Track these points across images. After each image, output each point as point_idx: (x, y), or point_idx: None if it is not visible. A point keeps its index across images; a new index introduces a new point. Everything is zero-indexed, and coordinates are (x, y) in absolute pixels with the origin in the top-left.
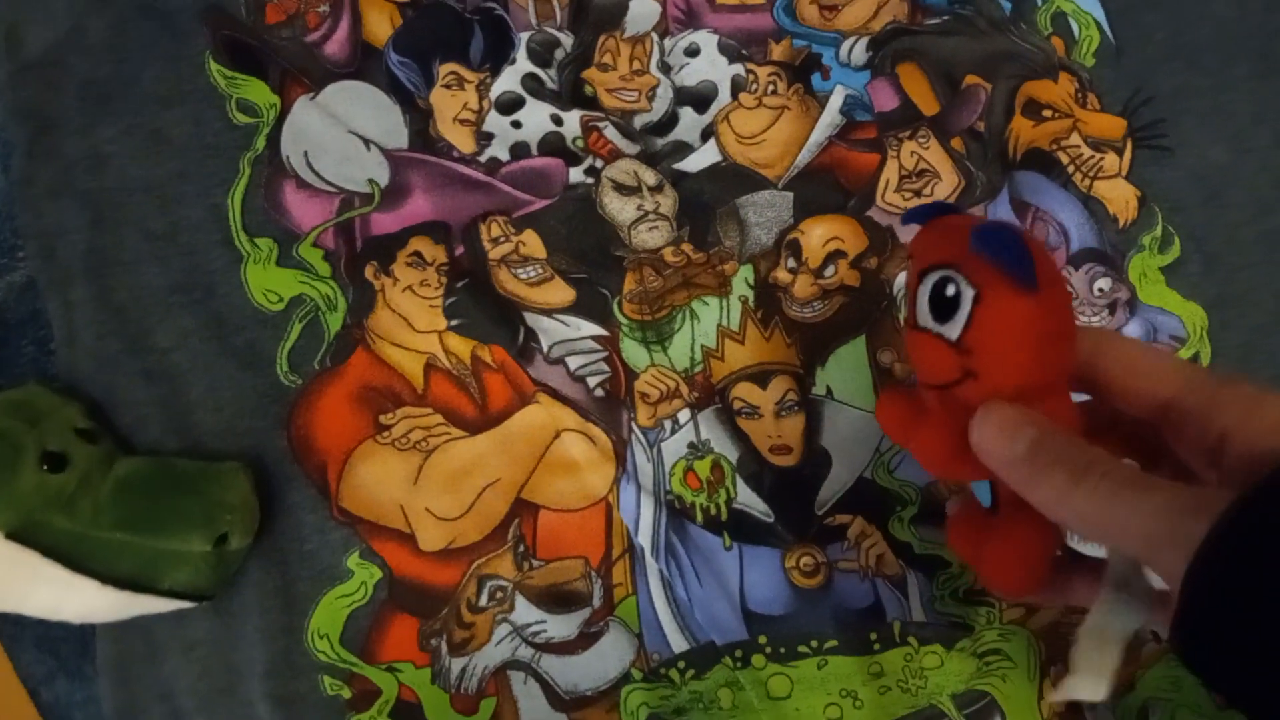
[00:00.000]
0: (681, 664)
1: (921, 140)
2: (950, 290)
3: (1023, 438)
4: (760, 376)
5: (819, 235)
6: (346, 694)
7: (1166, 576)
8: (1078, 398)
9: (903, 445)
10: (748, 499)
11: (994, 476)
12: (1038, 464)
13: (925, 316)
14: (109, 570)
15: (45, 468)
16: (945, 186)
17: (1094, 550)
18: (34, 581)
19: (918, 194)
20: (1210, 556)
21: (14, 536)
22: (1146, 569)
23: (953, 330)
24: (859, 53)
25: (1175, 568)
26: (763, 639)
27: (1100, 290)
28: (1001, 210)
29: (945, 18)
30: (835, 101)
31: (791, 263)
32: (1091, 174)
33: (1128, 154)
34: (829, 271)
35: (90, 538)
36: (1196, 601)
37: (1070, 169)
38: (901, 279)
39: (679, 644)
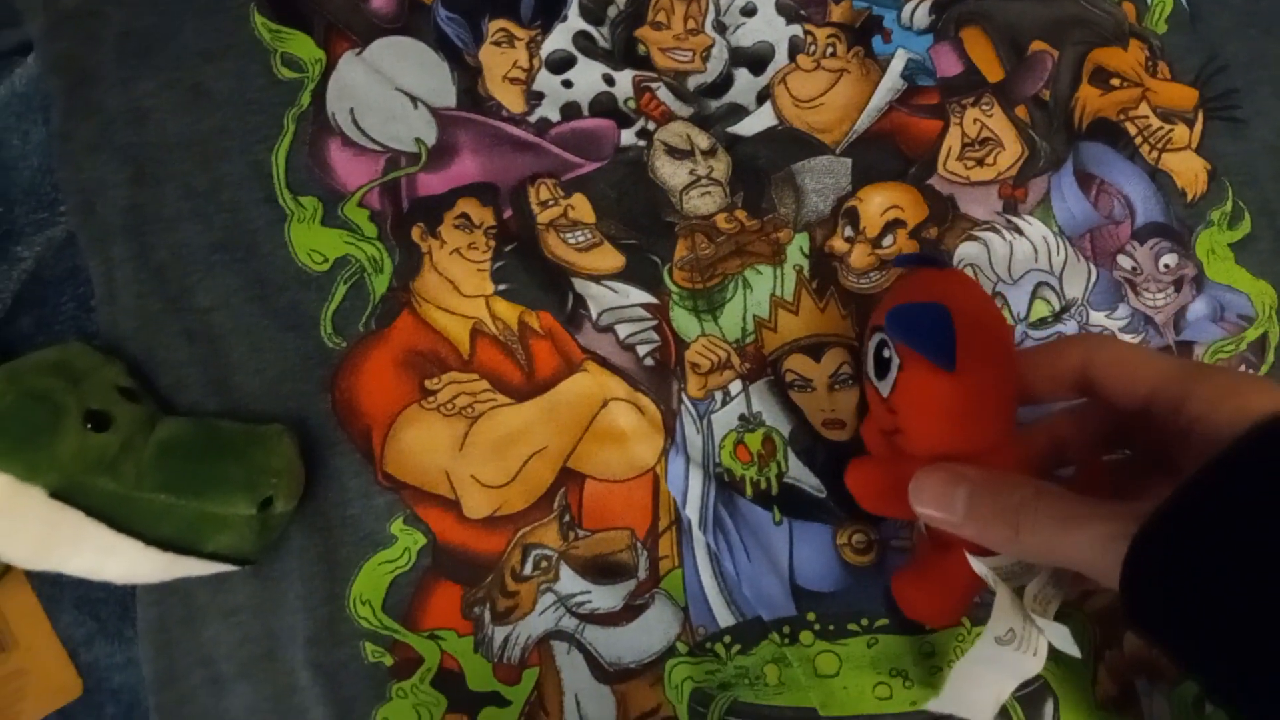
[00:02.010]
0: (727, 639)
1: (985, 107)
2: (886, 353)
3: (958, 499)
4: (814, 348)
5: (878, 203)
6: (388, 661)
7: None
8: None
9: (875, 511)
10: (799, 474)
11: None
12: (977, 521)
13: (869, 368)
14: (152, 532)
15: (89, 426)
16: (1008, 156)
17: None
18: (77, 541)
19: (980, 162)
20: (1129, 583)
21: (58, 496)
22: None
23: (884, 388)
24: (921, 16)
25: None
26: (811, 616)
27: (1166, 266)
28: (1066, 182)
29: None
30: (896, 65)
31: (849, 231)
32: (1160, 146)
33: (1198, 126)
34: (887, 241)
35: (133, 499)
36: (1135, 618)
37: (1138, 140)
38: (963, 251)
39: (725, 618)
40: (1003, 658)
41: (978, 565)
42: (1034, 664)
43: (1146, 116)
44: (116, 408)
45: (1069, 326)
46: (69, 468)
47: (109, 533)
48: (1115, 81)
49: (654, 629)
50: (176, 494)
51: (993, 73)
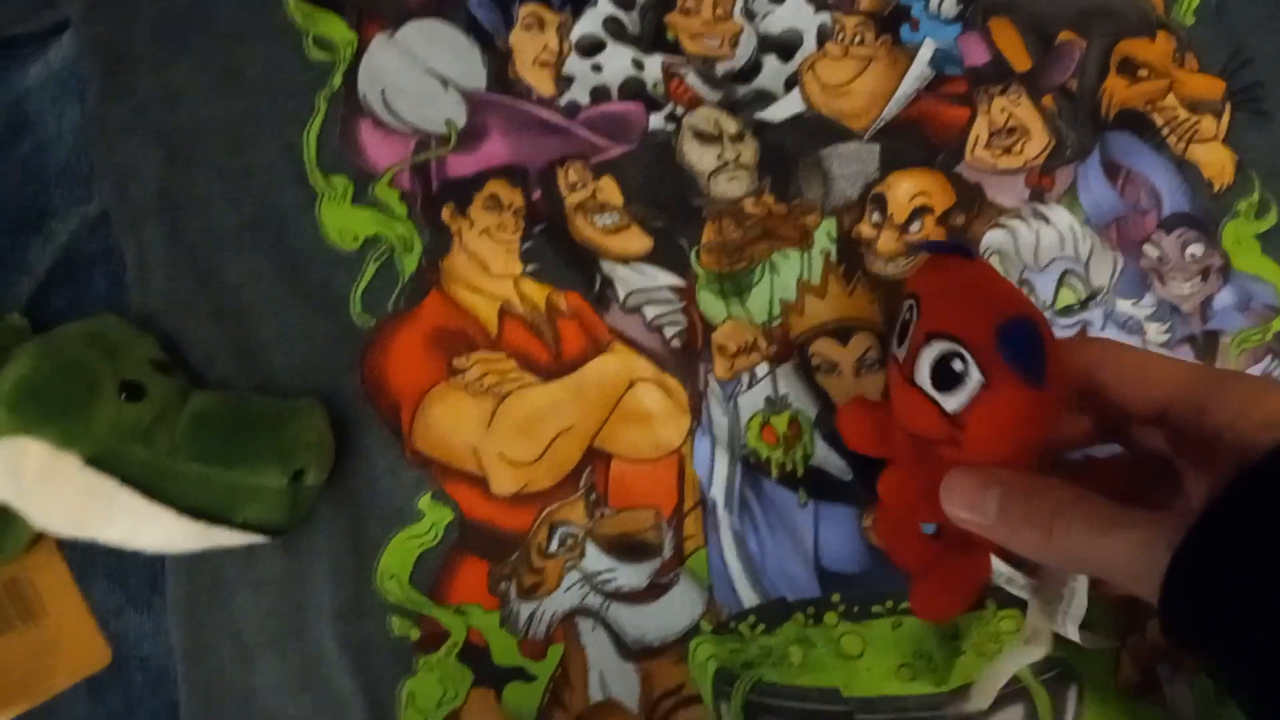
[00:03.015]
0: (752, 619)
1: (1012, 96)
2: (957, 366)
3: (990, 501)
4: (841, 333)
5: (905, 190)
6: (415, 635)
7: (1152, 599)
8: None
9: (862, 451)
10: (826, 456)
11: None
12: (1008, 524)
13: (923, 378)
14: (185, 501)
15: (123, 397)
16: (1035, 145)
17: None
18: (112, 509)
19: (1007, 151)
20: (1172, 593)
21: (93, 464)
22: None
23: (950, 403)
24: (949, 5)
25: (1156, 598)
26: (836, 597)
27: (1192, 256)
28: (1093, 171)
29: None
30: (924, 54)
31: (876, 217)
32: (1187, 137)
33: (1226, 117)
34: (915, 227)
35: (167, 469)
36: (1176, 633)
37: (1165, 131)
38: (989, 239)
39: (750, 599)
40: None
41: (1008, 572)
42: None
43: (1174, 107)
44: (150, 379)
45: (1095, 315)
46: (104, 436)
47: (143, 501)
48: (1143, 72)
49: (678, 608)
50: (209, 464)
51: (1020, 62)
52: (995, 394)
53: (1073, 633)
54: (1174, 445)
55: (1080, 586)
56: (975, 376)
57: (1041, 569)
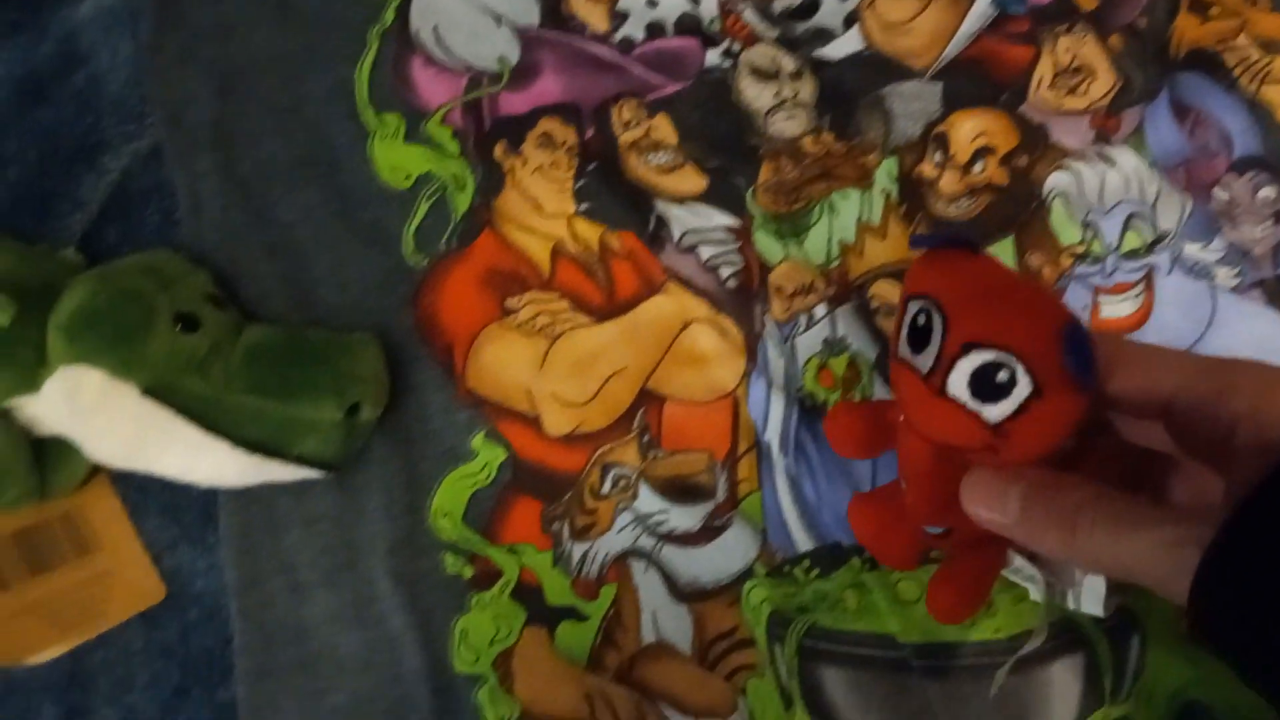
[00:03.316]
0: (806, 563)
1: (1078, 35)
2: (1003, 376)
3: (1011, 500)
4: (902, 275)
5: (968, 129)
6: (468, 573)
7: (1180, 603)
8: None
9: (852, 456)
10: (885, 399)
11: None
12: (1031, 525)
13: (960, 389)
14: (240, 433)
15: (179, 328)
16: (1101, 85)
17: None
18: (167, 440)
19: (1072, 91)
20: (1202, 595)
21: (149, 395)
22: None
23: (992, 413)
24: None
25: (1182, 599)
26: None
27: (1264, 199)
28: (1160, 113)
29: None
30: None
31: (938, 157)
32: (1259, 77)
33: None
34: (977, 168)
35: (223, 401)
36: (1203, 636)
37: (1236, 71)
38: (1053, 181)
39: (804, 543)
40: None
41: (1020, 564)
42: None
43: (1246, 47)
44: (205, 312)
45: (1161, 258)
46: (160, 367)
47: (198, 432)
48: (1214, 10)
49: (732, 551)
50: (264, 396)
51: (1086, 0)
52: (1049, 402)
53: (1095, 608)
54: (1179, 439)
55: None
56: (1024, 385)
57: (1047, 560)
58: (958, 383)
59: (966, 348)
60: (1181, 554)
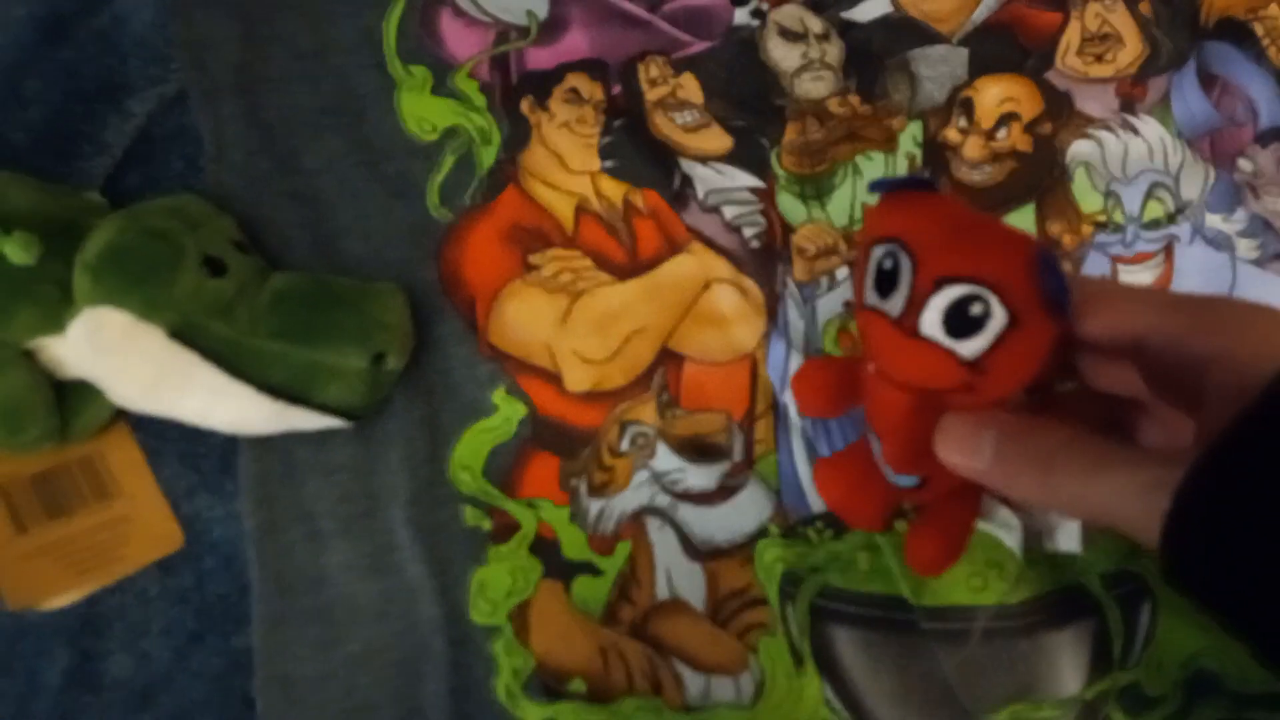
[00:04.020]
0: (820, 524)
1: (1108, 2)
2: (977, 309)
3: (985, 444)
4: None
5: (994, 95)
6: (487, 525)
7: (1152, 547)
8: None
9: (822, 415)
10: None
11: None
12: (1006, 469)
13: (933, 327)
14: (263, 378)
15: (205, 271)
16: (1129, 53)
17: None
18: (189, 383)
19: (1099, 58)
20: (1173, 538)
21: (174, 337)
22: None
23: (968, 348)
24: None
25: (1155, 543)
26: (906, 504)
27: None
28: (1187, 81)
29: None
30: None
31: (963, 122)
32: None
33: None
34: (1001, 134)
35: (247, 345)
36: (1176, 579)
37: (1265, 41)
38: (1076, 149)
39: (818, 504)
40: None
41: (1003, 516)
42: None
43: (1275, 17)
44: (230, 256)
45: (1183, 229)
46: (186, 308)
47: (221, 376)
48: None
49: (746, 510)
50: (290, 341)
51: None
52: (1025, 332)
53: (1074, 544)
54: (1151, 380)
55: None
56: (1000, 317)
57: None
58: (931, 321)
59: (939, 283)
60: (1154, 497)
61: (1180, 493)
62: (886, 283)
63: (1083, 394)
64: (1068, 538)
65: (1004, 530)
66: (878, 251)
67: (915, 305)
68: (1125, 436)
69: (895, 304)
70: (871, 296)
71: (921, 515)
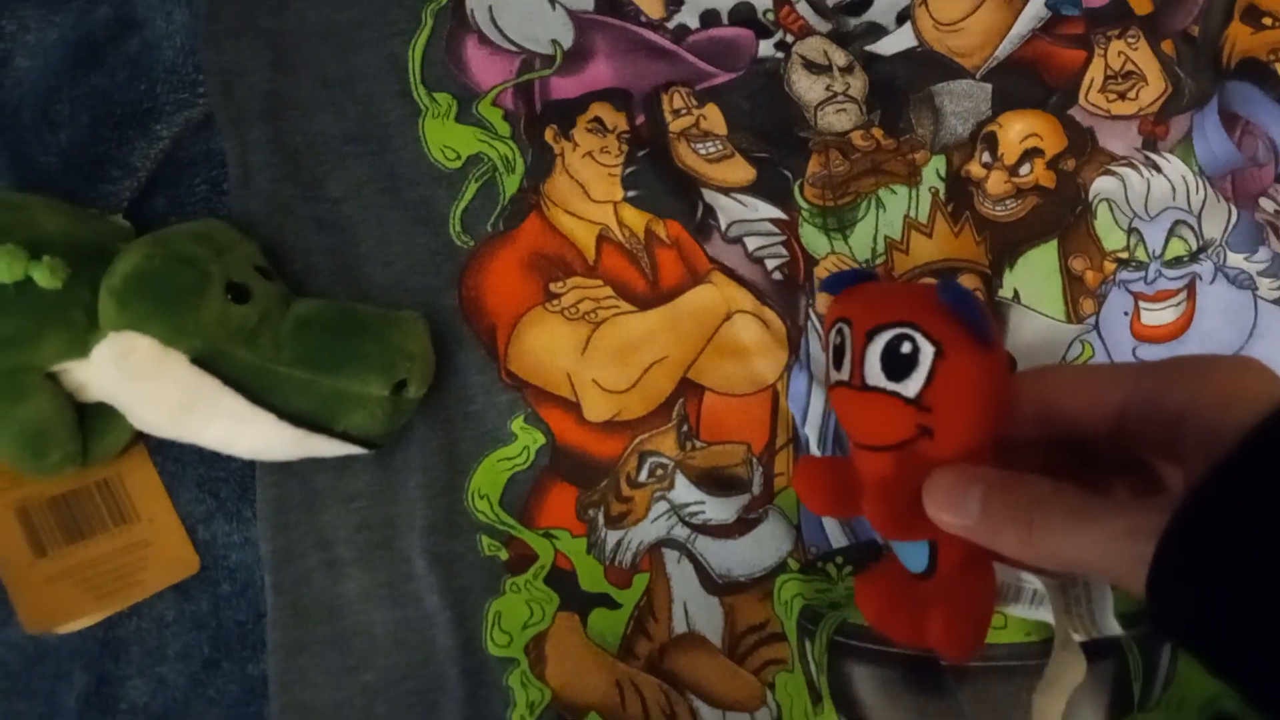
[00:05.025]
0: (839, 559)
1: (1131, 40)
2: (906, 348)
3: (972, 499)
4: (947, 273)
5: (1018, 130)
6: (504, 556)
7: (1138, 595)
8: None
9: (827, 513)
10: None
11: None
12: (991, 523)
13: (876, 375)
14: (286, 406)
15: (229, 298)
16: (1151, 91)
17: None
18: (213, 410)
19: (1122, 96)
20: (1159, 583)
21: (198, 363)
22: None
23: (910, 387)
24: None
25: (1140, 590)
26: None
27: None
28: (1209, 121)
29: None
30: None
31: (986, 157)
32: None
33: None
34: (1024, 169)
35: (270, 372)
36: (1163, 625)
37: None
38: (1098, 186)
39: (838, 539)
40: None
41: (1015, 580)
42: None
43: None
44: (255, 282)
45: (1205, 267)
46: (210, 335)
47: (244, 404)
48: (1267, 20)
49: (765, 544)
50: (313, 369)
51: (1141, 5)
52: (954, 359)
53: (1109, 626)
54: (1141, 447)
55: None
56: (928, 350)
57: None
58: (873, 368)
59: (870, 335)
60: (1135, 544)
61: (1164, 539)
62: (839, 356)
63: (1063, 455)
64: (1103, 614)
65: (1038, 608)
66: (830, 335)
67: (857, 362)
68: (1105, 493)
69: (846, 369)
70: (832, 373)
71: (940, 602)
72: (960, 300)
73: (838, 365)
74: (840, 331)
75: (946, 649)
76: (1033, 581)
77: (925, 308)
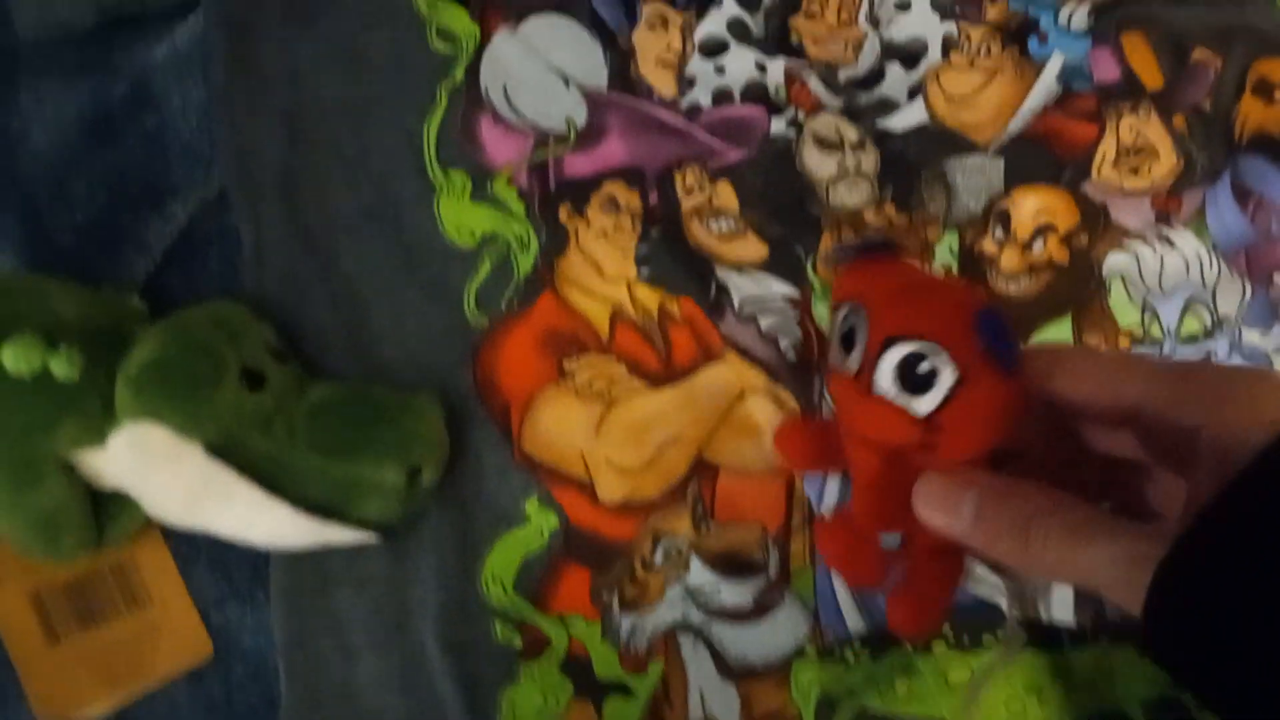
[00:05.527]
0: (857, 644)
1: (1142, 115)
2: (925, 367)
3: (966, 505)
4: None
5: (1030, 207)
6: (518, 642)
7: (1134, 613)
8: None
9: (805, 470)
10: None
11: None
12: (986, 532)
13: (887, 384)
14: (301, 494)
15: (244, 384)
16: (1164, 166)
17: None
18: (228, 500)
19: (1134, 171)
20: (1154, 613)
21: (213, 452)
22: None
23: (922, 406)
24: (1080, 18)
25: (1138, 613)
26: (945, 626)
27: None
28: (1222, 196)
29: None
30: (1053, 68)
31: (999, 233)
32: None
33: None
34: (1037, 246)
35: (285, 460)
36: (1156, 653)
37: None
38: (1112, 262)
39: (856, 624)
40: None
41: (980, 574)
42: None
43: None
44: (269, 367)
45: (1220, 344)
46: (226, 423)
47: (259, 493)
48: (1279, 94)
49: (782, 629)
50: (328, 456)
51: (1152, 80)
52: (974, 388)
53: (1067, 614)
54: (1147, 448)
55: None
56: (948, 374)
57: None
58: (884, 378)
59: (888, 342)
60: (1135, 570)
61: (1162, 569)
62: (847, 342)
63: (1081, 455)
64: (1061, 607)
65: (994, 594)
66: (840, 313)
67: (869, 363)
68: (1133, 499)
69: (853, 362)
70: (837, 356)
71: (903, 579)
72: (993, 329)
73: (844, 351)
74: (851, 318)
75: (904, 628)
76: (990, 576)
77: (954, 326)
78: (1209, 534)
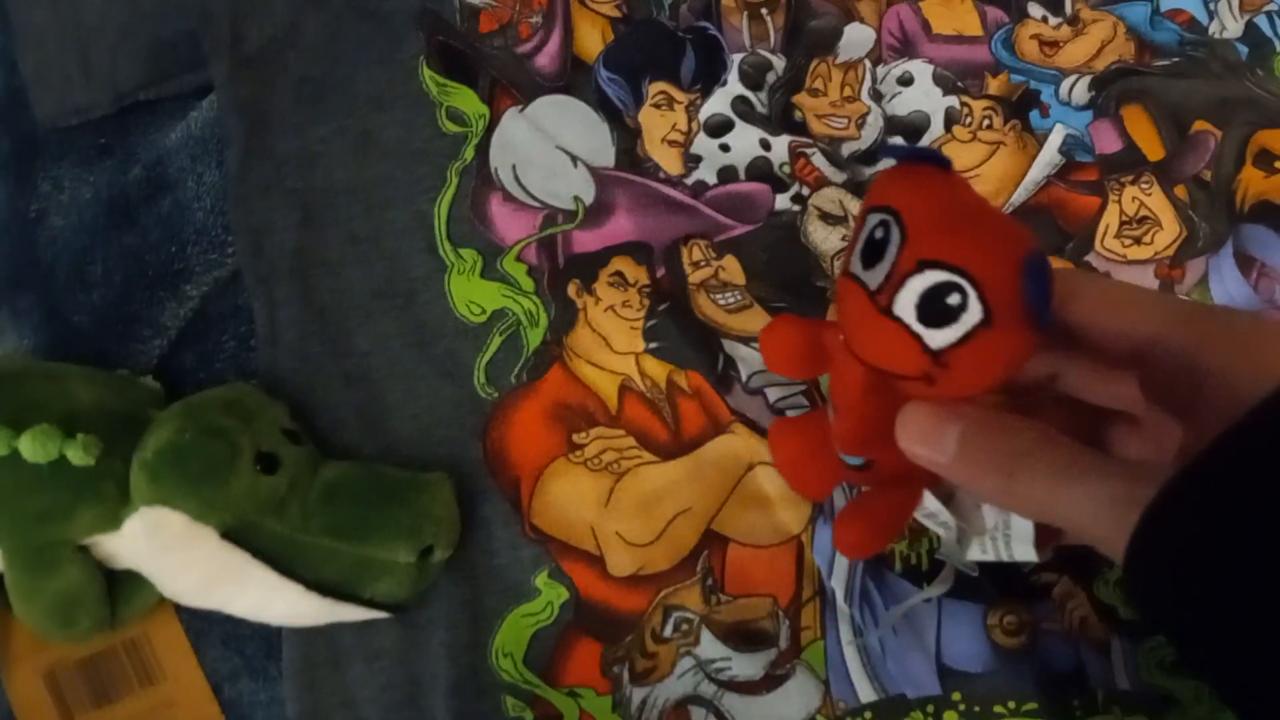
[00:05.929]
0: (869, 714)
1: (1144, 186)
2: (954, 299)
3: (950, 438)
4: None
5: None
6: (529, 716)
7: (1118, 562)
8: None
9: (783, 373)
10: (952, 550)
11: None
12: (968, 465)
13: (906, 309)
14: (315, 576)
15: (258, 468)
16: (1166, 235)
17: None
18: (242, 583)
19: (1137, 241)
20: (1137, 559)
21: (228, 537)
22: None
23: (936, 339)
24: (1080, 92)
25: (1119, 558)
26: (957, 696)
27: None
28: (1225, 264)
29: (1176, 59)
30: (1055, 140)
31: None
32: None
33: None
34: None
35: (298, 542)
36: (1137, 600)
37: None
38: None
39: (867, 694)
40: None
41: (933, 508)
42: None
43: None
44: (283, 449)
45: None
46: (240, 507)
47: (273, 575)
48: (1279, 164)
49: (793, 700)
50: (341, 538)
51: (1153, 151)
52: (998, 334)
53: (1024, 554)
54: (1149, 388)
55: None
56: (975, 312)
57: (960, 506)
58: (905, 302)
59: (921, 265)
60: (1123, 511)
61: (1149, 512)
62: (873, 253)
63: (1064, 401)
64: (1022, 545)
65: (939, 528)
66: (872, 219)
67: (893, 282)
68: (1106, 448)
69: (876, 276)
70: (856, 264)
71: (858, 499)
72: (1039, 278)
73: (867, 262)
74: (886, 226)
75: (851, 550)
76: (943, 514)
77: (999, 265)
78: (1202, 479)
